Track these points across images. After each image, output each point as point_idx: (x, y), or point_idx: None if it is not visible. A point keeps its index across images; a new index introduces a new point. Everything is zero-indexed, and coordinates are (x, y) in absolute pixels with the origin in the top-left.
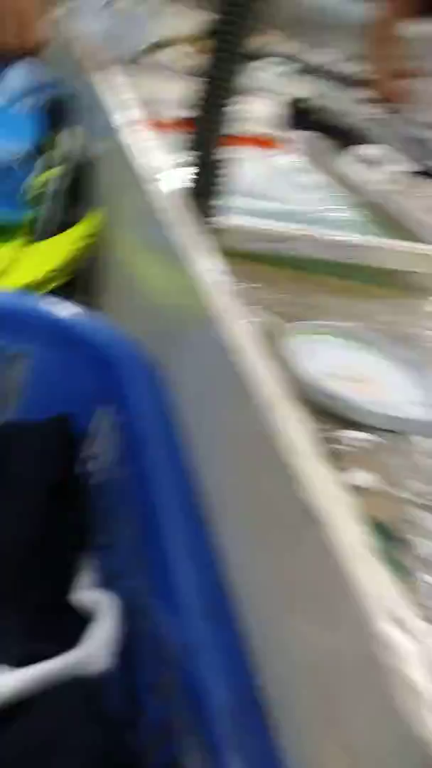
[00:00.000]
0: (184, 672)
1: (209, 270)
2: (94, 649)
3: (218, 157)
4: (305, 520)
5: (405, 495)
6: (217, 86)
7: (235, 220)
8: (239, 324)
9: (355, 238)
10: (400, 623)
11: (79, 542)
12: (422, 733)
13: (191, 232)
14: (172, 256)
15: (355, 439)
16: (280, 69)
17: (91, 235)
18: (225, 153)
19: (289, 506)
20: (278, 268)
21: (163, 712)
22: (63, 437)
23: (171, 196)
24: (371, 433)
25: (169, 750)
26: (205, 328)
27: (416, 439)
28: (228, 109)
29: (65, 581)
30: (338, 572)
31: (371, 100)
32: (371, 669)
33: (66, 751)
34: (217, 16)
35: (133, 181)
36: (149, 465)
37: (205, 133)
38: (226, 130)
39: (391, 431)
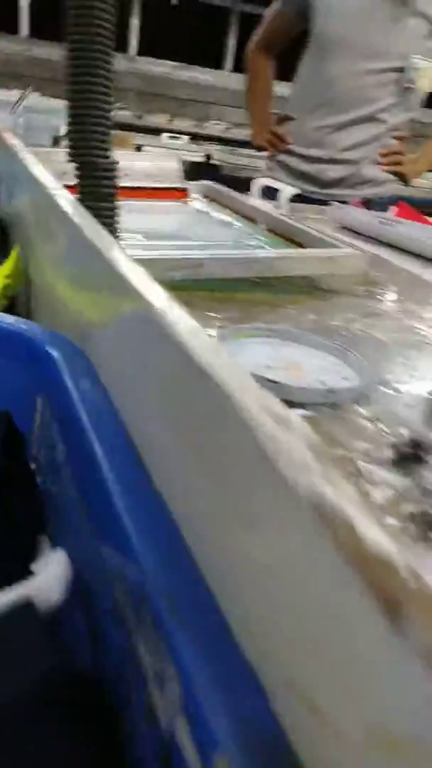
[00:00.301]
0: (130, 583)
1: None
2: (46, 580)
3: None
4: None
5: (352, 454)
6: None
7: (148, 254)
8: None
9: (259, 252)
10: (284, 421)
11: (35, 526)
12: (314, 497)
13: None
14: (105, 273)
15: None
16: (181, 140)
17: (11, 274)
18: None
19: (207, 410)
20: (192, 293)
21: (123, 633)
22: (6, 429)
23: (94, 230)
24: (311, 410)
25: (132, 668)
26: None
27: (352, 407)
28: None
29: (24, 562)
30: (228, 405)
31: (256, 148)
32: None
33: (18, 676)
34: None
35: (57, 223)
36: (89, 437)
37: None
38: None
39: (328, 405)
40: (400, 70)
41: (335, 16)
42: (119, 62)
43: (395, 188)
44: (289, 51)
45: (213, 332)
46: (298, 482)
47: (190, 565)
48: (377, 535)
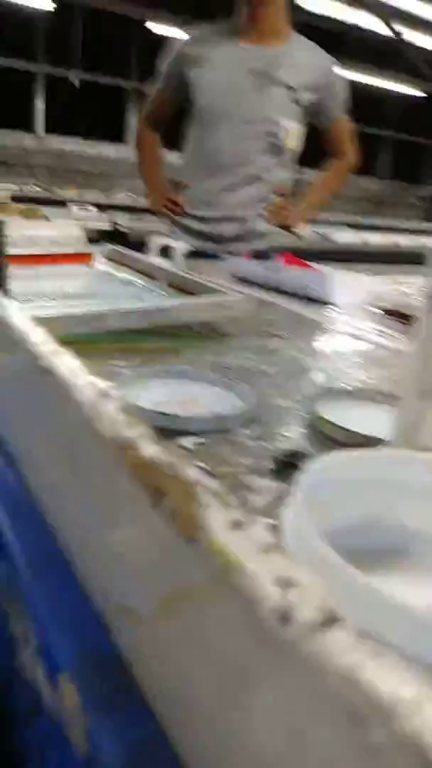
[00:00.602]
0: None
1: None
2: None
3: None
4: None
5: (237, 470)
6: None
7: (51, 312)
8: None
9: (155, 303)
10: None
11: None
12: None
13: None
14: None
15: (189, 443)
16: (89, 211)
17: None
18: None
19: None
20: (95, 345)
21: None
22: None
23: None
24: (203, 437)
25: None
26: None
27: (240, 431)
28: None
29: None
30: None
31: (155, 213)
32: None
33: None
34: None
35: None
36: None
37: None
38: None
39: (216, 431)
40: (272, 132)
41: (212, 91)
42: (27, 141)
43: (282, 239)
44: (177, 122)
45: (116, 377)
46: (106, 432)
47: (47, 530)
48: (154, 453)
